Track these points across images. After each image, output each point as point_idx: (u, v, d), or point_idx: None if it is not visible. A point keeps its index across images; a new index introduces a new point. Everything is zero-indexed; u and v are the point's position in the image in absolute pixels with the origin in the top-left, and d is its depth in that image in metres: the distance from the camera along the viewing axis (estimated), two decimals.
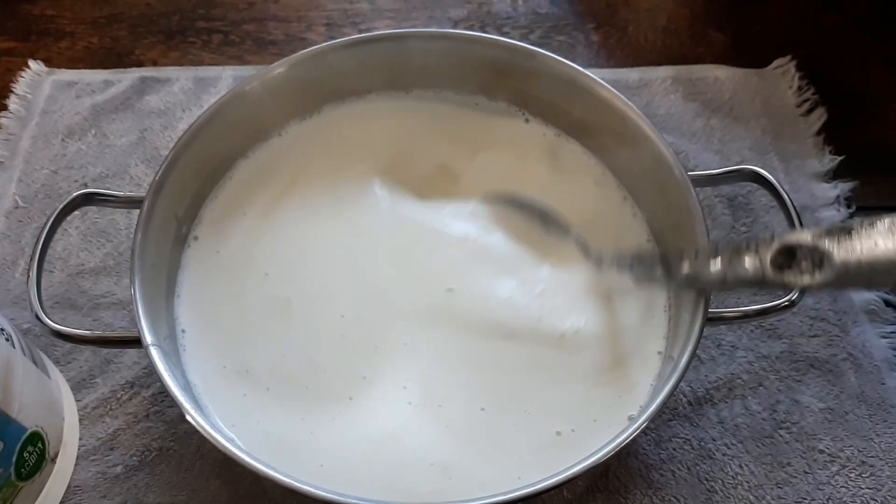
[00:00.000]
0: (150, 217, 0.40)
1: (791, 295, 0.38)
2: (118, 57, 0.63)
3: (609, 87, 0.45)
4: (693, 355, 0.36)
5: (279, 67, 0.46)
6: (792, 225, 0.41)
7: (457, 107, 0.50)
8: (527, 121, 0.50)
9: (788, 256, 0.30)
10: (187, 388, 0.39)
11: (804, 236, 0.29)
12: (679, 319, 0.41)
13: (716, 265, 0.33)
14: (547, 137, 0.49)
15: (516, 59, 0.47)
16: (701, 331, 0.37)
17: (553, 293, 0.43)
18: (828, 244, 0.28)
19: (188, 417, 0.35)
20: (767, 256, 0.31)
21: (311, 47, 0.47)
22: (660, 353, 0.41)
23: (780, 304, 0.38)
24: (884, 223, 0.27)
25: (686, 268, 0.34)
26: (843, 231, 0.28)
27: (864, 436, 0.45)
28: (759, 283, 0.31)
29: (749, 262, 0.31)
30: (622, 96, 0.45)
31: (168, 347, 0.39)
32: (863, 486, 0.43)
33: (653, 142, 0.43)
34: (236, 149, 0.48)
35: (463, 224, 0.46)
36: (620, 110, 0.44)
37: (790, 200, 0.41)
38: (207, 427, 0.34)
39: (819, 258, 0.29)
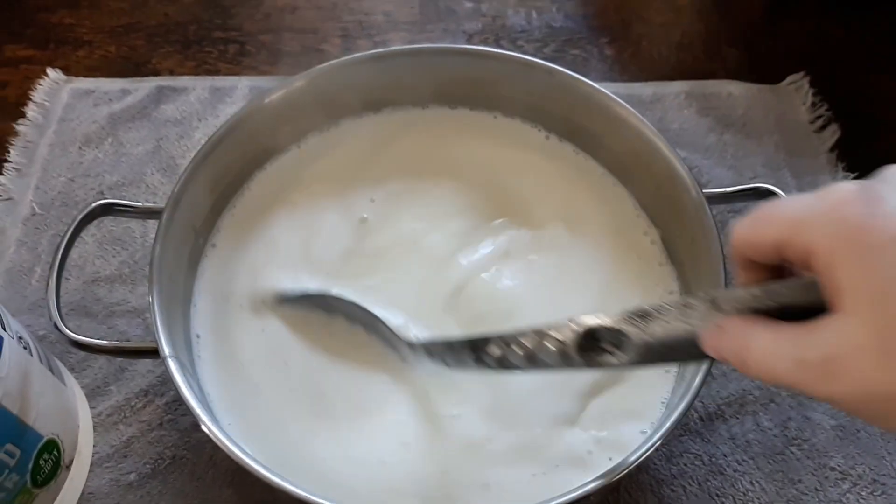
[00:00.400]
0: (168, 230, 0.41)
1: None
2: (135, 66, 0.64)
3: (624, 103, 0.45)
4: (707, 373, 0.36)
5: (299, 80, 0.47)
6: None
7: (473, 122, 0.51)
8: (547, 137, 0.50)
9: (593, 339, 0.31)
10: (202, 398, 0.39)
11: (605, 320, 0.31)
12: None
13: (522, 349, 0.33)
14: (563, 151, 0.50)
15: (533, 75, 0.47)
16: None
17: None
18: (626, 327, 0.30)
19: (204, 428, 0.35)
20: (571, 339, 0.32)
21: (330, 60, 0.48)
22: (669, 371, 0.42)
23: None
24: (676, 307, 0.29)
25: (495, 352, 0.35)
26: (640, 314, 0.29)
27: (875, 454, 0.45)
28: (566, 365, 0.32)
29: (554, 345, 0.32)
30: (637, 113, 0.45)
31: (184, 357, 0.40)
32: None
33: (668, 159, 0.43)
34: (254, 160, 0.48)
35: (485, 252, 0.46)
36: (635, 127, 0.44)
37: None
38: (223, 438, 0.34)
39: (619, 340, 0.30)
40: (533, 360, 0.33)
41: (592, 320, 0.31)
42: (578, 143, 0.49)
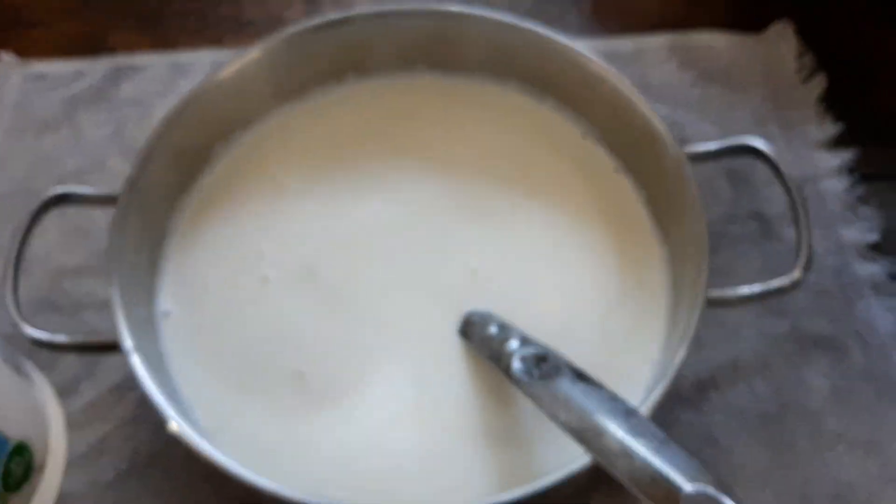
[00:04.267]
0: (125, 216, 0.39)
1: (793, 274, 0.37)
2: (91, 45, 0.60)
3: (600, 61, 0.43)
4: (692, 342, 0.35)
5: (254, 52, 0.44)
6: (793, 203, 0.39)
7: (445, 85, 0.49)
8: (527, 101, 0.48)
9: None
10: (172, 392, 0.38)
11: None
12: (679, 303, 0.40)
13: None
14: (539, 111, 0.48)
15: (504, 34, 0.45)
16: (698, 321, 0.36)
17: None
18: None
19: (171, 429, 0.33)
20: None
21: (288, 28, 0.45)
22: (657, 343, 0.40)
23: (783, 285, 0.37)
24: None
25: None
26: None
27: (871, 414, 0.44)
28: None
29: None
30: (614, 70, 0.43)
31: (151, 350, 0.38)
32: (870, 465, 0.42)
33: (646, 118, 0.41)
34: (215, 138, 0.46)
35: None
36: (612, 85, 0.42)
37: (786, 175, 0.40)
38: (195, 438, 0.33)
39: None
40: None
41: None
42: (556, 100, 0.47)
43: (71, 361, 0.46)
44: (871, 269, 0.49)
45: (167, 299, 0.42)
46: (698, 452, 0.42)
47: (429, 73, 0.49)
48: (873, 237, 0.49)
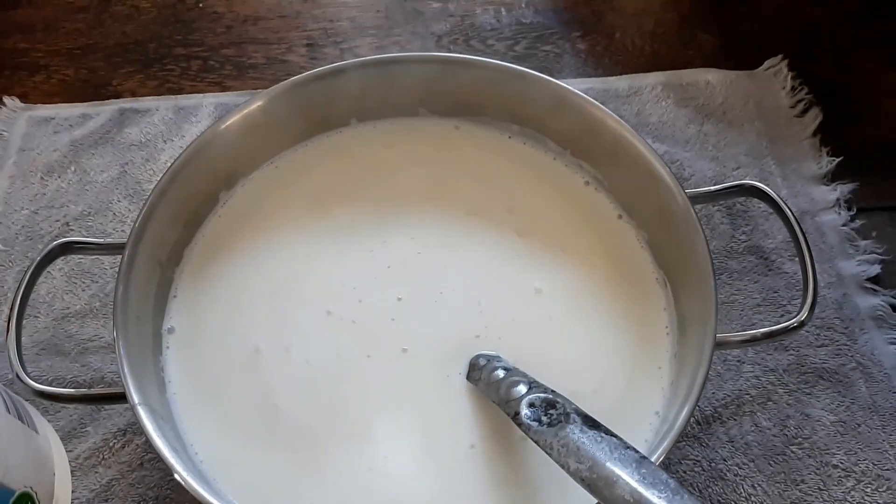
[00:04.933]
0: (131, 267, 0.39)
1: (801, 315, 0.37)
2: (95, 89, 0.61)
3: (599, 105, 0.44)
4: (703, 385, 0.35)
5: (259, 100, 0.45)
6: (796, 240, 0.39)
7: (441, 128, 0.49)
8: (524, 143, 0.48)
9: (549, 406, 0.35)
10: (177, 442, 0.37)
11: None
12: (685, 342, 0.40)
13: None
14: (539, 156, 0.48)
15: (503, 79, 0.46)
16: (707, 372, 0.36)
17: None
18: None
19: (178, 478, 0.33)
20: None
21: (296, 70, 0.46)
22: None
23: (789, 326, 0.37)
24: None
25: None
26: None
27: (878, 448, 0.44)
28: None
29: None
30: (614, 115, 0.43)
31: (156, 401, 0.38)
32: (880, 501, 0.42)
33: (648, 161, 0.41)
34: (219, 187, 0.46)
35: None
36: (613, 129, 0.43)
37: (793, 216, 0.40)
38: (202, 490, 0.33)
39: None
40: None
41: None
42: (557, 146, 0.48)
43: (75, 407, 0.46)
44: (873, 302, 0.49)
45: (174, 348, 0.42)
46: (706, 489, 0.43)
47: (429, 118, 0.49)
48: (874, 270, 0.50)
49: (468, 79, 0.46)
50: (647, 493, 0.29)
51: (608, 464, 0.30)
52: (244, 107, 0.45)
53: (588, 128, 0.44)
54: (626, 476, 0.29)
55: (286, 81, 0.45)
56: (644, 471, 0.30)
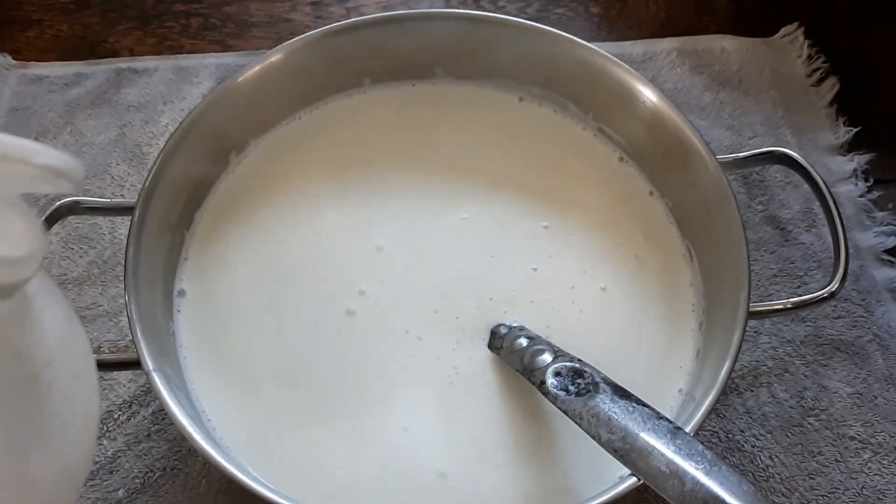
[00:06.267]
0: (141, 228, 0.37)
1: (832, 286, 0.36)
2: (91, 45, 0.59)
3: (630, 68, 0.42)
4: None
5: (275, 55, 0.43)
6: (827, 210, 0.39)
7: (460, 93, 0.48)
8: (553, 110, 0.47)
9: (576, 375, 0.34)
10: (191, 410, 0.36)
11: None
12: (712, 314, 0.39)
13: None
14: (566, 123, 0.47)
15: (527, 39, 0.44)
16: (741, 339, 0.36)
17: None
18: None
19: (196, 445, 0.32)
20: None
21: (300, 29, 0.44)
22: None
23: (820, 296, 0.36)
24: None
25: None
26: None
27: (894, 420, 0.44)
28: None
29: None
30: (645, 79, 0.42)
31: (168, 366, 0.37)
32: None
33: (679, 126, 0.40)
34: (229, 147, 0.45)
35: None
36: (642, 94, 0.42)
37: (824, 184, 0.39)
38: (218, 458, 0.32)
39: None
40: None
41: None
42: (580, 110, 0.47)
43: None
44: (889, 274, 0.48)
45: (185, 312, 0.41)
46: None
47: (450, 81, 0.48)
48: (891, 242, 0.49)
49: (483, 38, 0.45)
50: (685, 464, 0.28)
51: (642, 434, 0.30)
52: (259, 61, 0.43)
53: (617, 93, 0.43)
54: (662, 447, 0.29)
55: (306, 35, 0.43)
56: (679, 441, 0.29)
